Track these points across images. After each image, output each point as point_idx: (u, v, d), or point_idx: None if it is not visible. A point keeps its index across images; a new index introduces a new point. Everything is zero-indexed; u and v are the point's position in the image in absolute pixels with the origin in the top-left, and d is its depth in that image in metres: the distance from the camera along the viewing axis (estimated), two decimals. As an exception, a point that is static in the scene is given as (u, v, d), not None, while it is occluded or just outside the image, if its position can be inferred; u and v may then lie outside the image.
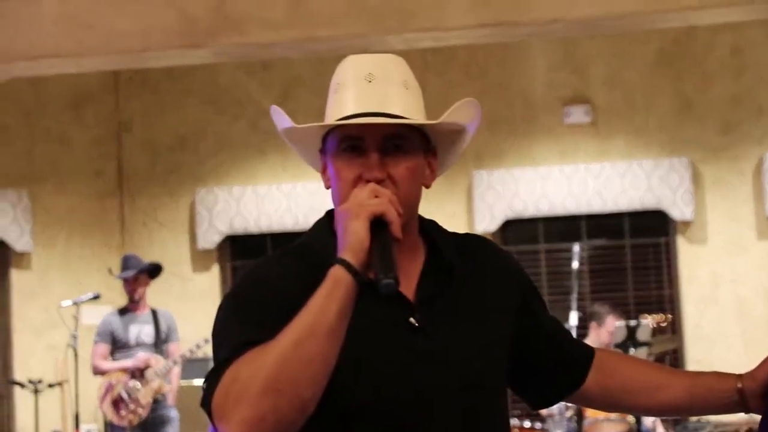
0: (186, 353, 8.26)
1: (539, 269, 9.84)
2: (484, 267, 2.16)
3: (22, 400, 9.40)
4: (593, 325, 8.29)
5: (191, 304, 9.89)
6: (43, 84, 9.94)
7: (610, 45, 9.83)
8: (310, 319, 1.86)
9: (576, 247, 8.20)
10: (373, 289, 1.91)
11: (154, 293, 8.63)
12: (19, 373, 9.46)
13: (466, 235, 2.20)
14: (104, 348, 8.28)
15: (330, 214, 2.12)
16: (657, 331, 7.53)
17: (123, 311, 8.38)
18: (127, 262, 8.40)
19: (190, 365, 8.91)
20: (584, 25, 7.97)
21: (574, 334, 7.44)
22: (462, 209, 9.87)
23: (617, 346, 7.11)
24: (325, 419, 1.94)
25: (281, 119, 2.11)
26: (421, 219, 2.14)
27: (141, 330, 8.28)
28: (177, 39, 7.44)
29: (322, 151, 2.11)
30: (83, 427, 9.11)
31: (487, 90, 9.67)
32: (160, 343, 8.30)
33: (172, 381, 8.28)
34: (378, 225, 1.94)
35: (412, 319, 2.02)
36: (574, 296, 7.86)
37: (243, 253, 10.25)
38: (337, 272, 1.90)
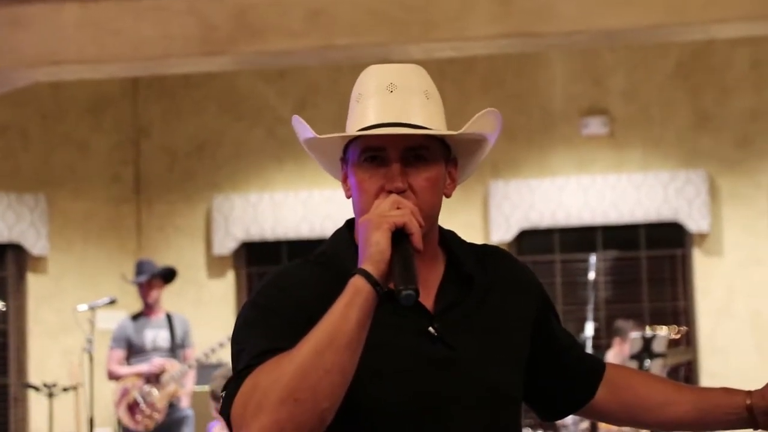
0: (201, 357, 8.28)
1: (554, 279, 9.84)
2: (502, 279, 2.16)
3: (36, 403, 9.43)
4: (617, 340, 8.28)
5: (206, 310, 9.92)
6: (63, 89, 9.99)
7: (628, 57, 9.83)
8: (329, 329, 1.86)
9: (593, 258, 8.19)
10: (392, 299, 1.91)
11: (169, 298, 8.66)
12: (34, 377, 9.49)
13: (484, 246, 2.20)
14: (120, 353, 8.30)
15: (350, 223, 2.13)
16: (672, 343, 7.52)
17: (138, 316, 8.40)
18: (141, 267, 8.42)
19: (204, 370, 8.93)
20: (604, 36, 7.98)
21: (589, 344, 7.46)
22: (478, 219, 9.87)
23: (633, 357, 7.11)
24: (344, 427, 1.94)
25: (303, 129, 2.11)
26: (441, 229, 2.14)
27: (157, 335, 8.31)
28: (197, 46, 7.47)
29: (344, 160, 2.11)
30: (97, 431, 9.13)
31: (504, 100, 9.67)
32: (175, 348, 8.32)
33: (186, 385, 8.31)
34: (399, 236, 1.94)
35: (431, 329, 2.03)
36: (590, 307, 7.85)
37: (259, 259, 10.27)
38: (357, 282, 1.90)
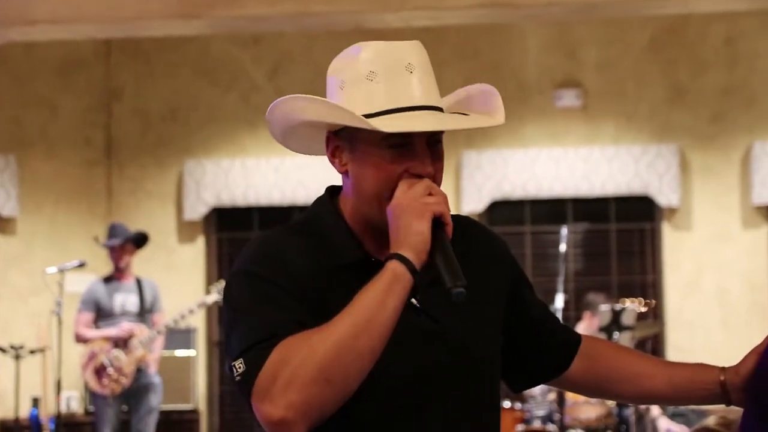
0: (170, 323, 8.27)
1: (525, 251, 9.87)
2: (477, 249, 2.16)
3: (3, 365, 9.39)
4: (587, 314, 8.33)
5: (176, 275, 9.90)
6: (36, 50, 9.91)
7: (603, 30, 9.83)
8: (366, 314, 1.86)
9: (564, 230, 8.22)
10: (377, 269, 1.91)
11: (138, 263, 8.63)
12: (2, 338, 9.45)
13: (457, 216, 2.18)
14: (88, 316, 8.27)
15: (331, 191, 2.12)
16: (640, 316, 7.56)
17: (108, 280, 8.37)
18: (113, 231, 8.39)
19: (172, 335, 8.92)
20: (579, 9, 7.98)
21: (559, 316, 7.49)
22: (450, 189, 9.88)
23: (602, 329, 7.15)
24: (349, 402, 1.92)
25: (325, 106, 2.02)
26: None
27: (126, 299, 8.28)
28: (173, 9, 7.42)
29: (336, 133, 2.06)
30: (64, 393, 9.12)
31: (479, 71, 9.66)
32: (144, 313, 8.30)
33: (154, 350, 8.29)
34: (435, 224, 1.94)
35: (414, 300, 2.02)
36: (561, 279, 7.88)
37: (229, 225, 10.25)
38: (397, 268, 1.89)
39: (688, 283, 9.74)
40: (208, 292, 8.87)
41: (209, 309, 9.44)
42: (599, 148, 9.80)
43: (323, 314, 1.89)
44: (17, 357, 8.75)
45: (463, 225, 2.18)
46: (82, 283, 8.62)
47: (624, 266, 9.97)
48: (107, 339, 8.16)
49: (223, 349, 9.28)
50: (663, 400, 2.30)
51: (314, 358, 1.83)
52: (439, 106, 2.04)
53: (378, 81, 2.00)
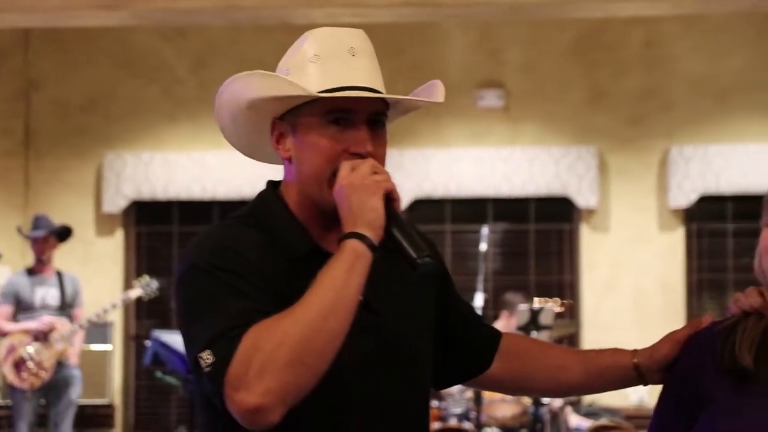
0: (93, 317, 8.18)
1: (445, 250, 9.91)
2: None
3: None
4: (505, 313, 8.40)
5: (93, 269, 9.80)
6: (-48, 37, 9.74)
7: (526, 31, 9.91)
8: (333, 294, 1.86)
9: (484, 230, 8.27)
10: (325, 260, 1.91)
11: (56, 255, 8.53)
12: None
13: None
14: (8, 309, 8.15)
15: (274, 184, 2.12)
16: (557, 316, 7.64)
17: (29, 272, 8.26)
18: (37, 223, 8.28)
19: (92, 330, 8.83)
20: (503, 10, 8.04)
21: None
22: (371, 186, 9.87)
23: (520, 328, 7.21)
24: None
25: (265, 81, 2.02)
26: None
27: (47, 292, 8.18)
28: (95, 0, 7.33)
29: (281, 119, 2.06)
30: (-21, 387, 8.98)
31: (402, 69, 9.68)
32: (65, 307, 8.20)
33: (75, 344, 8.21)
34: (386, 201, 1.95)
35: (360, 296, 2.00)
36: (480, 278, 7.94)
37: (149, 219, 10.17)
38: (356, 246, 1.89)
39: (604, 283, 9.86)
40: (131, 286, 8.77)
41: (126, 303, 9.35)
42: (520, 149, 9.88)
43: (284, 306, 1.88)
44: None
45: None
46: (0, 275, 8.51)
47: (542, 266, 10.06)
48: (27, 332, 8.05)
49: (140, 343, 9.20)
50: (581, 391, 2.33)
51: (287, 342, 1.82)
52: (381, 90, 2.05)
53: (321, 63, 2.03)
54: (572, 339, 9.58)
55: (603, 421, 3.26)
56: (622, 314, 9.75)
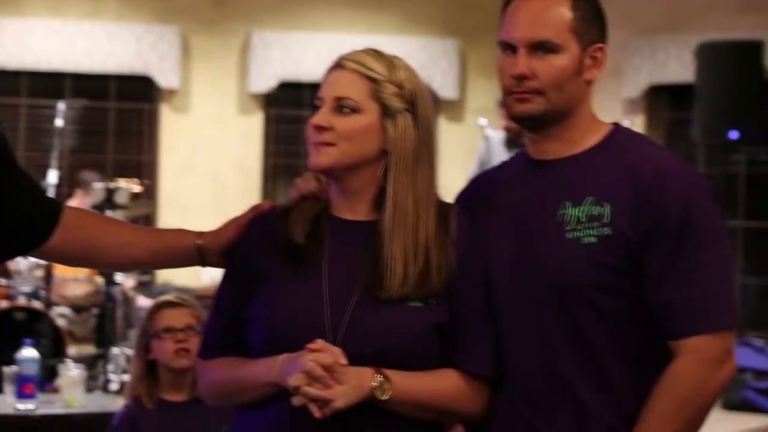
0: None
1: (18, 124, 9.56)
2: None
3: None
4: (79, 192, 8.31)
5: None
6: None
7: None
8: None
9: (61, 105, 8.06)
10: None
11: None
12: None
13: None
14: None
15: None
16: (134, 196, 7.60)
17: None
18: None
19: None
20: None
21: (53, 192, 7.35)
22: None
23: (95, 207, 7.11)
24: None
25: None
26: None
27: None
28: None
29: None
30: None
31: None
32: None
33: None
34: None
35: None
36: (55, 154, 7.76)
37: None
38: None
39: (183, 164, 9.89)
40: None
41: None
42: (101, 24, 9.63)
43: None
44: None
45: None
46: None
47: (121, 146, 9.95)
48: None
49: None
50: (144, 266, 2.46)
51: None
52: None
53: None
54: (148, 219, 9.56)
55: (168, 297, 3.47)
56: (199, 196, 9.84)
